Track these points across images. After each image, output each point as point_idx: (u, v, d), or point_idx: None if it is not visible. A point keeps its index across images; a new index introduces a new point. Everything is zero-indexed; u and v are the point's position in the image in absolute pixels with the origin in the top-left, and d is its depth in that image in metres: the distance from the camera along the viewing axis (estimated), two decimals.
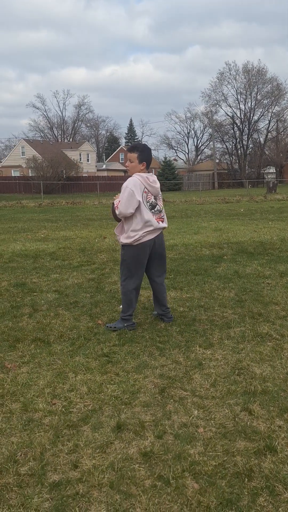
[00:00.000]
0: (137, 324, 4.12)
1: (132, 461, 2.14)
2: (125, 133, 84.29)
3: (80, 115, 72.96)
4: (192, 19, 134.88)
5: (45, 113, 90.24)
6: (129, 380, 2.99)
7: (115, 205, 3.89)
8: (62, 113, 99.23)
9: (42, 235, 10.81)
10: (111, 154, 71.60)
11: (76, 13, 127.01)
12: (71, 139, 69.15)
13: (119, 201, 3.83)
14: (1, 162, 60.44)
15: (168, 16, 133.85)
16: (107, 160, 69.29)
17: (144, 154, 3.84)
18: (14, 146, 61.09)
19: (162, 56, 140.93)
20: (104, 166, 62.44)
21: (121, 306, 4.19)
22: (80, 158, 54.89)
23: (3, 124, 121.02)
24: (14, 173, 51.57)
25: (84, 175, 48.52)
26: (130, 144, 77.26)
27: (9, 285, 5.75)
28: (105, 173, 56.88)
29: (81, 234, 10.90)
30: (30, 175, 43.68)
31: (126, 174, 41.11)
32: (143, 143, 4.13)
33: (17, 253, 8.11)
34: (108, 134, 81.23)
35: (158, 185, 3.93)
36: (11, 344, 3.68)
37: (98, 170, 60.22)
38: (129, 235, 3.86)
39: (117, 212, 3.85)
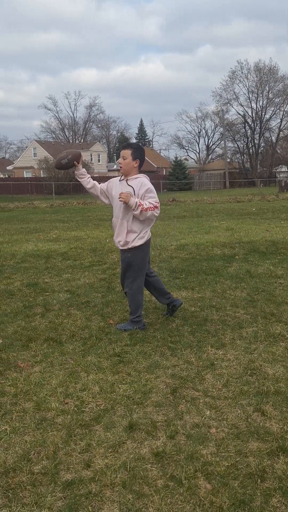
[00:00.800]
0: (148, 324, 4.12)
1: (144, 461, 2.14)
2: (136, 133, 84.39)
3: (91, 116, 73.28)
4: (202, 17, 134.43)
5: (56, 114, 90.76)
6: (141, 380, 2.99)
7: (148, 206, 3.72)
8: (73, 114, 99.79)
9: (53, 236, 10.88)
10: None
11: (87, 14, 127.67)
12: (82, 140, 69.48)
13: (157, 203, 3.79)
14: (14, 163, 60.98)
15: (178, 15, 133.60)
16: (118, 160, 69.38)
17: (138, 151, 3.84)
18: (26, 147, 61.63)
19: (173, 55, 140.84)
20: (115, 167, 62.54)
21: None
22: (91, 159, 55.15)
23: (15, 125, 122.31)
24: (26, 174, 52.02)
25: (95, 175, 48.71)
26: (141, 144, 77.34)
27: (22, 285, 5.80)
28: (115, 173, 57.00)
29: (92, 234, 10.94)
30: (41, 176, 44.00)
31: None
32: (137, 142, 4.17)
33: (29, 253, 8.17)
34: (119, 134, 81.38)
35: None
36: (24, 344, 3.71)
37: (109, 170, 60.42)
38: (142, 236, 3.85)
39: (155, 213, 3.78)
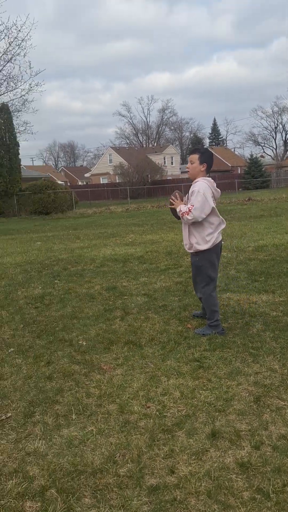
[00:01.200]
0: (227, 329, 4.04)
1: (229, 471, 2.09)
2: (209, 133, 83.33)
3: (164, 119, 74.01)
4: (275, 10, 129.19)
5: (130, 120, 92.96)
6: (222, 386, 2.93)
7: (184, 211, 3.77)
8: (146, 119, 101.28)
9: (129, 240, 11.13)
10: None
11: (159, 19, 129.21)
12: (155, 144, 70.35)
13: (192, 206, 3.73)
14: (91, 170, 63.52)
15: (251, 10, 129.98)
16: (186, 165, 69.16)
17: (205, 155, 3.85)
18: (102, 154, 63.90)
19: (246, 51, 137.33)
20: None
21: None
22: (165, 162, 55.58)
23: (92, 133, 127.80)
24: (103, 180, 53.92)
25: (168, 178, 49.01)
26: (214, 143, 76.20)
27: (102, 288, 6.01)
28: None
29: (167, 237, 11.00)
30: (117, 181, 45.31)
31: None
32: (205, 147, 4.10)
33: (107, 257, 8.44)
34: (191, 135, 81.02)
35: (219, 190, 3.98)
36: (105, 346, 3.83)
37: (182, 172, 60.40)
38: (205, 239, 3.83)
39: (189, 217, 3.75)
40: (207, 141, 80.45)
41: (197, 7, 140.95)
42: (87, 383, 3.14)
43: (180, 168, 61.26)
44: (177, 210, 3.88)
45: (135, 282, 6.28)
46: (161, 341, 3.86)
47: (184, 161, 69.40)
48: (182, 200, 4.01)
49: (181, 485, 2.00)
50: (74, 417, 2.67)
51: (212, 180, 3.91)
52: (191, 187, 3.84)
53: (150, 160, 50.88)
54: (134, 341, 3.90)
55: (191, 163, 3.86)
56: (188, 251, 4.01)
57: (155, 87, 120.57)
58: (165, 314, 4.65)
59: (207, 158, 3.85)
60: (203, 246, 3.84)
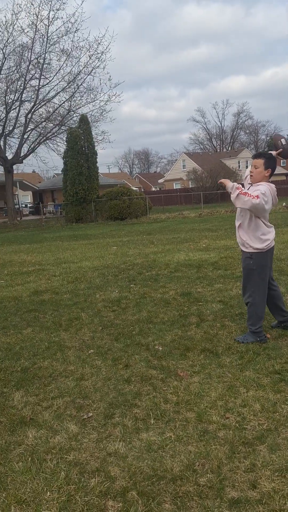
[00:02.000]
0: None
1: None
2: (287, 135, 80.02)
3: (239, 122, 72.55)
4: None
5: (204, 126, 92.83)
6: None
7: (251, 194, 3.59)
8: (221, 123, 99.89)
9: (203, 245, 11.03)
10: None
11: (235, 22, 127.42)
12: (229, 148, 69.19)
13: (259, 195, 3.56)
14: (164, 176, 64.16)
15: None
16: (249, 169, 66.99)
17: (270, 161, 3.81)
18: (176, 160, 64.25)
19: None
20: None
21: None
22: (239, 166, 54.40)
23: (166, 140, 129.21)
24: (176, 186, 54.17)
25: (242, 182, 47.85)
26: None
27: (176, 294, 6.02)
28: None
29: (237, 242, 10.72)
30: (190, 186, 45.24)
31: None
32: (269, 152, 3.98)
33: (181, 263, 8.44)
34: (268, 138, 78.38)
35: (277, 198, 3.91)
36: (181, 353, 3.83)
37: None
38: (260, 238, 3.77)
39: (256, 201, 3.55)
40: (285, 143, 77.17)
41: (274, 7, 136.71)
42: (165, 388, 3.16)
43: None
44: (228, 185, 3.76)
45: (209, 288, 6.20)
46: (238, 351, 3.76)
47: None
48: None
49: (264, 501, 1.93)
50: (152, 422, 2.70)
51: (274, 187, 3.85)
52: (253, 187, 3.80)
53: (224, 164, 50.11)
54: (211, 349, 3.85)
55: (255, 168, 3.81)
56: (242, 248, 3.95)
57: (231, 90, 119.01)
58: (242, 322, 4.54)
59: (271, 164, 3.82)
60: (258, 246, 3.79)
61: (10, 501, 2.07)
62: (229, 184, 3.80)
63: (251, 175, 3.88)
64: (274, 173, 3.88)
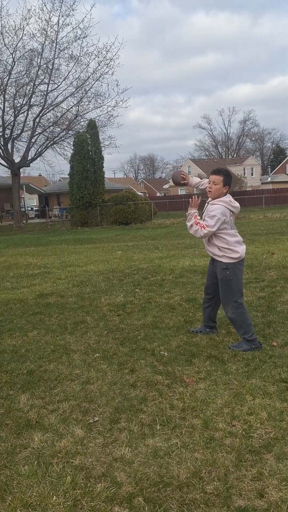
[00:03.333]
0: None
1: None
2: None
3: (245, 130, 72.72)
4: None
5: (210, 132, 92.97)
6: None
7: (201, 224, 3.88)
8: (227, 130, 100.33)
9: None
10: (277, 166, 68.95)
11: (242, 31, 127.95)
12: (235, 155, 69.30)
13: (207, 226, 3.84)
14: (169, 182, 64.29)
15: None
16: (272, 172, 67.00)
17: (228, 178, 3.95)
18: (181, 166, 64.39)
19: None
20: (269, 179, 60.48)
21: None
22: (244, 173, 54.44)
23: (171, 146, 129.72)
24: (181, 192, 54.23)
25: (247, 189, 47.86)
26: None
27: (181, 299, 6.01)
28: (269, 186, 55.00)
29: (247, 249, 10.70)
30: (195, 192, 45.25)
31: None
32: (226, 168, 4.23)
33: (186, 268, 8.44)
34: (274, 146, 78.53)
35: (238, 204, 4.04)
36: (187, 359, 3.82)
37: (262, 183, 58.66)
38: (234, 250, 3.91)
39: (202, 232, 3.87)
40: None
41: (282, 17, 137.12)
42: (170, 394, 3.15)
43: (260, 179, 59.56)
44: (189, 211, 4.00)
45: None
46: (244, 358, 3.75)
47: (264, 172, 67.45)
48: (197, 205, 4.11)
49: (271, 511, 1.92)
50: (158, 428, 2.69)
51: (230, 198, 3.99)
52: (208, 206, 4.00)
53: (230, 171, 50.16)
54: (217, 356, 3.84)
55: (215, 184, 3.94)
56: (219, 260, 4.02)
57: (237, 98, 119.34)
58: None
59: (229, 181, 3.96)
60: (232, 258, 3.92)
61: (16, 505, 2.07)
62: (191, 210, 4.01)
63: (209, 191, 4.03)
64: (280, 180, 4.00)
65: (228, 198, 3.99)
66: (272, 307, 5.35)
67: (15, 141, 29.01)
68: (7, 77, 26.70)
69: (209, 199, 4.09)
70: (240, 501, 2.00)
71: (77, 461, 2.38)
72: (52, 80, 27.93)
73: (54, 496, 2.11)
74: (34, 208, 46.08)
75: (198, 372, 3.53)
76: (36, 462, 2.40)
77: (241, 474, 2.18)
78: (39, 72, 27.47)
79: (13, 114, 28.03)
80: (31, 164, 30.16)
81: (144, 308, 5.64)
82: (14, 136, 28.69)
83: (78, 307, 5.91)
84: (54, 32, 27.29)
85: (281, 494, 2.02)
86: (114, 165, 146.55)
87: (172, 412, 2.88)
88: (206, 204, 4.12)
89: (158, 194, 65.85)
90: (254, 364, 3.60)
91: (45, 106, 28.30)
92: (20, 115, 28.54)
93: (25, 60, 27.08)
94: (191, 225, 3.96)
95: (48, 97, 28.22)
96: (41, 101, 28.46)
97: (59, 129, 29.25)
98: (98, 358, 3.96)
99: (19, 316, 5.62)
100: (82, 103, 28.83)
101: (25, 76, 27.32)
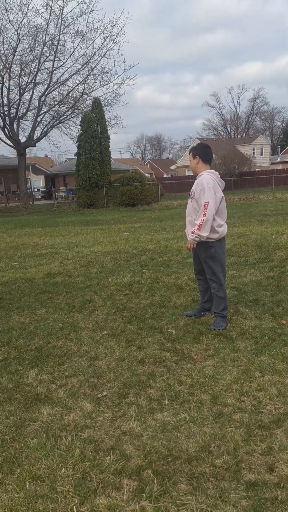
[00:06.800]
0: None
1: None
2: None
3: (254, 108, 71.27)
4: None
5: (219, 111, 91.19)
6: None
7: (199, 223, 3.80)
8: (236, 109, 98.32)
9: None
10: (287, 146, 67.75)
11: (253, 9, 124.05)
12: (244, 134, 68.16)
13: (206, 203, 3.77)
14: (176, 163, 63.59)
15: None
16: (282, 152, 65.90)
17: (195, 150, 4.03)
18: (189, 146, 63.52)
19: None
20: (278, 159, 59.54)
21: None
22: (254, 153, 53.62)
23: (179, 126, 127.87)
24: (188, 173, 53.65)
25: (257, 169, 47.21)
26: None
27: (189, 279, 5.98)
28: (279, 166, 54.21)
29: (256, 230, 10.59)
30: None
31: None
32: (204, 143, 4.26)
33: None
34: (284, 125, 76.99)
35: (223, 182, 4.08)
36: (195, 336, 3.80)
37: (272, 163, 57.79)
38: (216, 230, 3.89)
39: (208, 218, 3.77)
40: None
41: None
42: (178, 371, 3.14)
43: (270, 159, 58.63)
44: (193, 240, 3.91)
45: None
46: (253, 336, 3.72)
47: (274, 152, 66.33)
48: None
49: (282, 485, 1.90)
50: (166, 403, 2.69)
51: (216, 172, 4.04)
52: (196, 180, 3.97)
53: (238, 151, 49.39)
54: (225, 334, 3.82)
55: (190, 162, 4.08)
56: (199, 240, 3.93)
57: (247, 77, 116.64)
58: (256, 308, 4.49)
59: (198, 152, 4.02)
60: (214, 236, 3.90)
61: (25, 477, 2.08)
62: (192, 240, 3.92)
63: (192, 170, 4.12)
64: (283, 161, 3.95)
65: (213, 171, 4.04)
66: (281, 286, 5.30)
67: (21, 120, 28.71)
68: (12, 55, 26.25)
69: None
70: (250, 475, 1.99)
71: (86, 434, 2.39)
72: (57, 57, 27.43)
73: (63, 468, 2.12)
74: (41, 190, 45.95)
75: (206, 349, 3.51)
76: (45, 435, 2.41)
77: (250, 449, 2.17)
78: (44, 49, 26.97)
79: (18, 93, 27.66)
80: (37, 145, 30.01)
81: (151, 288, 5.61)
82: (20, 115, 28.37)
83: (86, 286, 5.90)
84: (59, 7, 26.66)
85: None
86: (121, 145, 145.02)
87: (180, 388, 2.87)
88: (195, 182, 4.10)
89: (165, 175, 65.22)
90: (263, 342, 3.57)
91: (51, 84, 27.86)
92: (25, 94, 28.16)
93: (30, 37, 26.57)
94: (200, 230, 3.83)
95: (53, 74, 27.77)
96: (47, 79, 28.01)
97: (64, 107, 28.86)
98: (106, 335, 3.96)
99: (27, 294, 5.63)
100: (88, 80, 28.34)
101: (30, 53, 26.85)
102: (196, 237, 3.87)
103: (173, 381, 2.96)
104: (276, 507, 1.79)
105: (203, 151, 4.04)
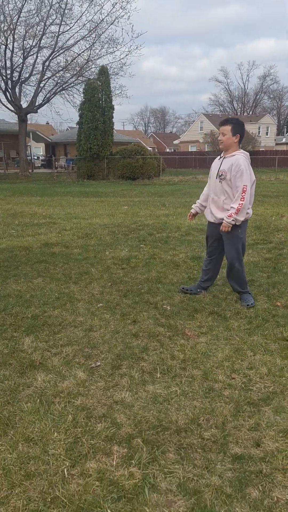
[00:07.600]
0: None
1: None
2: None
3: (263, 86, 69.74)
4: None
5: (226, 86, 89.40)
6: None
7: (237, 206, 3.73)
8: (244, 85, 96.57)
9: None
10: None
11: None
12: (251, 112, 66.93)
13: (245, 186, 3.69)
14: (180, 137, 62.59)
15: None
16: (217, 137, 64.98)
17: (237, 126, 3.80)
18: (193, 121, 62.43)
19: None
20: (284, 140, 58.75)
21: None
22: (259, 132, 52.84)
23: (184, 100, 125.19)
24: (191, 148, 52.92)
25: (261, 149, 46.61)
26: None
27: (186, 257, 5.99)
28: (284, 147, 53.54)
29: (256, 211, 10.55)
30: (205, 150, 44.18)
31: None
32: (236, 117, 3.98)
33: (193, 226, 8.36)
34: None
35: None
36: (189, 314, 3.85)
37: (276, 144, 57.05)
38: (246, 212, 3.84)
39: (243, 202, 3.71)
40: None
41: None
42: (172, 346, 3.19)
43: (275, 140, 57.84)
44: (229, 224, 3.82)
45: None
46: (247, 316, 3.77)
47: (280, 132, 65.36)
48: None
49: (267, 459, 1.97)
50: (158, 376, 2.74)
51: (248, 153, 3.90)
52: (229, 160, 3.80)
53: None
54: (219, 312, 3.86)
55: (223, 135, 3.81)
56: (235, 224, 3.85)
57: (258, 53, 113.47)
58: (252, 289, 4.52)
59: (239, 129, 3.81)
60: (242, 218, 3.83)
61: (18, 439, 2.14)
62: (228, 223, 3.81)
63: (220, 143, 3.88)
64: None
65: (247, 153, 3.89)
66: (278, 268, 5.33)
67: (23, 85, 27.98)
68: (17, 16, 25.33)
69: (223, 153, 3.94)
70: (237, 448, 2.06)
71: (79, 402, 2.44)
72: (64, 21, 26.49)
73: (55, 433, 2.18)
74: (41, 158, 45.27)
75: (200, 326, 3.56)
76: (38, 400, 2.46)
77: (238, 424, 2.24)
78: (50, 12, 26.01)
79: (22, 56, 26.84)
80: (38, 111, 29.27)
81: (148, 263, 5.63)
82: (22, 79, 27.62)
83: (83, 258, 5.91)
84: None
85: (277, 444, 2.07)
86: (124, 116, 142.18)
87: (172, 362, 2.92)
88: (220, 158, 3.94)
89: (167, 150, 64.31)
90: (257, 322, 3.62)
91: (56, 49, 27.02)
92: (29, 58, 27.33)
93: None
94: (237, 218, 3.77)
95: (59, 39, 26.90)
96: (52, 43, 27.14)
97: (69, 74, 28.11)
98: (102, 307, 3.99)
99: (24, 263, 5.64)
100: (94, 48, 27.50)
101: (35, 15, 25.90)
102: (233, 220, 3.78)
103: (166, 356, 3.02)
104: (260, 479, 1.86)
105: (243, 131, 3.86)
